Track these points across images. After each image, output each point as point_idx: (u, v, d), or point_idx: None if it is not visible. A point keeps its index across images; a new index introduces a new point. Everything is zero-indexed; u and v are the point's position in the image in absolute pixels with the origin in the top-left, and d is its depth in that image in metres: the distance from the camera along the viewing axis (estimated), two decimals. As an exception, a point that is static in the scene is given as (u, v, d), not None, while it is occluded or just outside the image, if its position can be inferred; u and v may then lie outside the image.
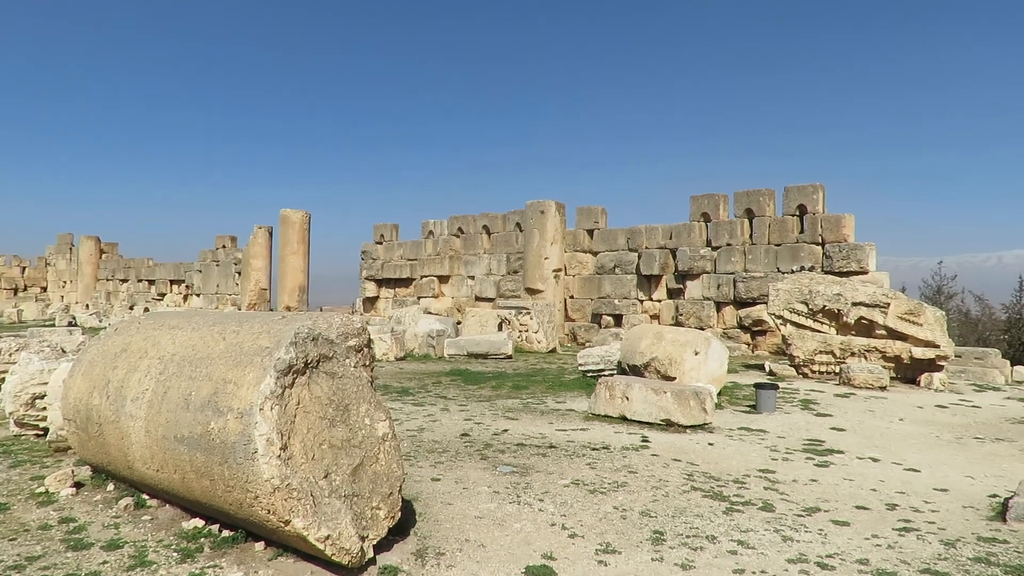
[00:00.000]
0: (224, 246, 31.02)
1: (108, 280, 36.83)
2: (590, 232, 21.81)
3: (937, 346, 12.09)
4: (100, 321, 28.16)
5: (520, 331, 18.10)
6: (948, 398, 10.88)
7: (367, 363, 4.27)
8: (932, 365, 12.16)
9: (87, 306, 35.65)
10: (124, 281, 35.90)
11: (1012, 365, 14.91)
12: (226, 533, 4.23)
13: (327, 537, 3.66)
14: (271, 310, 26.01)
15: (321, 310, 21.98)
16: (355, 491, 3.92)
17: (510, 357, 15.75)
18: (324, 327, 4.10)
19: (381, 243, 27.84)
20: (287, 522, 3.64)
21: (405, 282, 26.64)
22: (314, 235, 26.92)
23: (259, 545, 4.09)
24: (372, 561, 3.93)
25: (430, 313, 21.00)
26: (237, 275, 29.43)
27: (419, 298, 25.59)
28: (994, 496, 5.62)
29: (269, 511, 3.67)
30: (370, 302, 27.76)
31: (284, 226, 25.67)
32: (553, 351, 17.92)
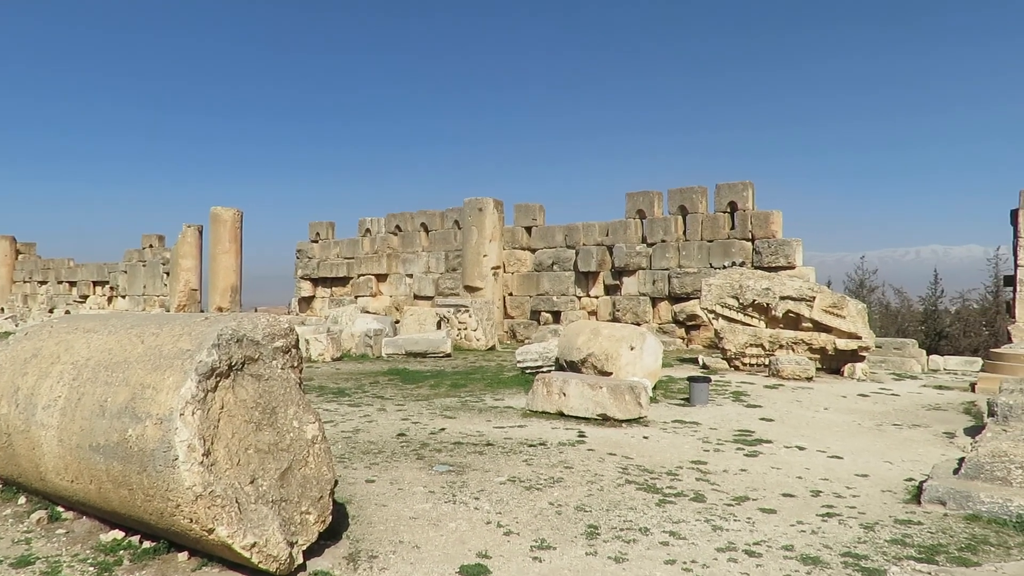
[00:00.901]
0: (151, 245, 29.87)
1: (26, 282, 34.98)
2: (528, 229, 21.90)
3: (859, 337, 12.61)
4: (16, 325, 26.74)
5: (459, 329, 18.04)
6: (869, 387, 11.36)
7: (295, 364, 4.17)
8: (855, 356, 12.67)
9: (2, 309, 33.79)
10: (43, 283, 34.16)
11: (928, 354, 15.70)
12: (147, 544, 4.06)
13: (253, 545, 3.55)
14: (202, 311, 25.19)
15: (256, 310, 21.43)
16: (283, 496, 3.82)
17: (449, 355, 15.68)
18: (249, 328, 3.98)
19: (317, 241, 27.31)
20: (211, 531, 3.51)
21: (342, 281, 26.21)
22: (247, 234, 26.21)
23: (182, 556, 3.94)
24: (302, 567, 3.83)
25: (368, 312, 20.72)
26: (165, 276, 28.38)
27: (356, 297, 25.21)
28: (910, 480, 5.89)
29: (192, 520, 3.53)
30: (306, 302, 27.21)
31: (215, 224, 24.89)
32: (492, 348, 17.93)
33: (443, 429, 7.72)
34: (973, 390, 11.03)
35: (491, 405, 9.41)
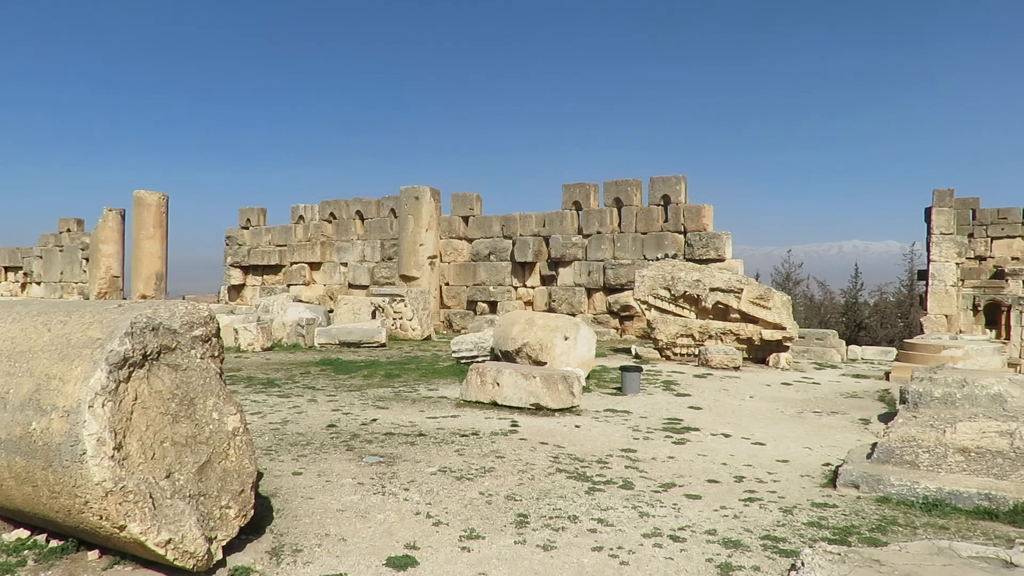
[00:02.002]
0: (69, 230, 28.45)
1: (-72, 267, 32.81)
2: (465, 219, 21.80)
3: (784, 328, 13.06)
4: (-82, 313, 25.06)
5: (394, 319, 17.84)
6: (793, 376, 11.79)
7: (215, 354, 4.02)
8: (779, 346, 13.12)
9: (-98, 296, 31.61)
10: (-52, 268, 32.11)
11: (847, 345, 16.40)
12: (54, 543, 3.85)
13: (168, 541, 3.41)
14: (125, 299, 24.16)
15: (183, 299, 20.69)
16: (202, 490, 3.68)
17: (384, 345, 15.49)
18: (166, 316, 3.81)
19: (247, 228, 26.52)
20: (122, 527, 3.35)
21: (274, 269, 25.55)
22: (174, 219, 25.21)
23: (92, 554, 3.76)
24: (222, 563, 3.71)
25: (300, 301, 20.25)
26: (85, 261, 27.08)
27: (289, 285, 24.63)
28: (827, 465, 6.13)
29: (102, 517, 3.37)
30: (236, 290, 26.42)
31: (139, 209, 23.85)
32: (428, 338, 17.80)
33: (375, 420, 7.62)
34: (888, 379, 11.58)
35: (425, 395, 9.34)
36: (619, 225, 19.25)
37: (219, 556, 3.67)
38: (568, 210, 19.95)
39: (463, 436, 6.89)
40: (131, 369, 3.57)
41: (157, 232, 23.92)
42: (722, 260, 17.33)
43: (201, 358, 3.92)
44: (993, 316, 24.58)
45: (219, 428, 3.88)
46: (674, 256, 17.81)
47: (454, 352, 12.29)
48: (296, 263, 24.81)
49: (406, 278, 20.55)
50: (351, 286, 23.44)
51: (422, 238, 20.60)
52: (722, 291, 13.24)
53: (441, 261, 21.60)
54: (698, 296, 13.30)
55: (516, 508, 4.79)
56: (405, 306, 17.87)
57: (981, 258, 25.44)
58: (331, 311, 18.76)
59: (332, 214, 24.31)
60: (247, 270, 26.36)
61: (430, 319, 18.67)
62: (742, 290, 13.23)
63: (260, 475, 4.91)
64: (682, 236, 18.24)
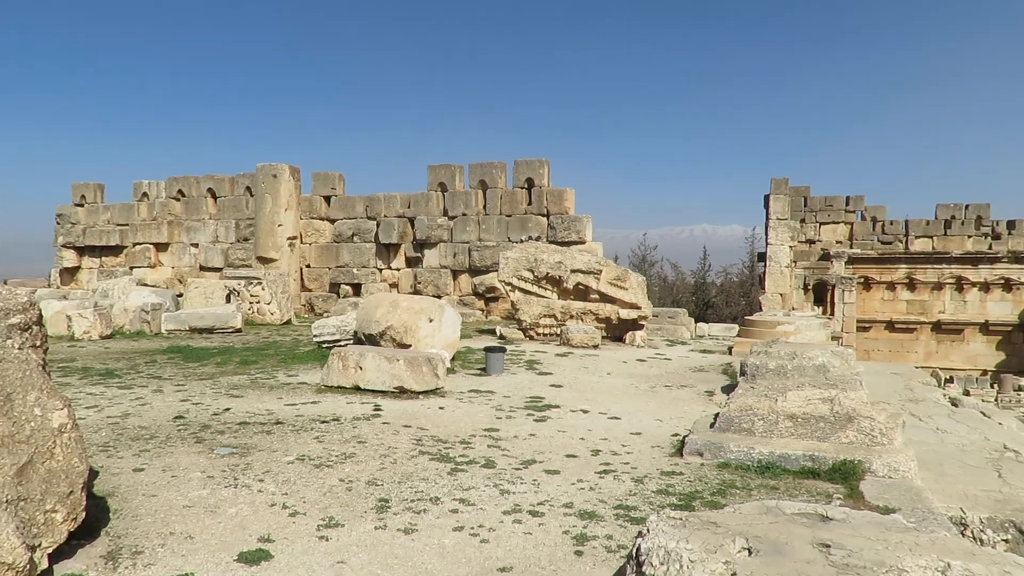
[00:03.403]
0: None
1: None
2: (327, 199, 21.12)
3: (639, 308, 13.72)
4: None
5: (251, 303, 17.00)
6: (647, 353, 12.43)
7: (37, 343, 3.64)
8: (635, 324, 13.78)
9: None
10: None
11: (696, 322, 17.52)
12: None
13: (-19, 553, 3.06)
14: (-69, 284, 21.34)
15: (5, 283, 18.55)
16: (22, 494, 3.33)
17: (239, 331, 14.73)
18: (-26, 303, 3.40)
19: (82, 205, 24.22)
20: (-77, 542, 2.97)
21: (114, 250, 23.54)
22: (-9, 194, 22.54)
23: None
24: (48, 572, 3.39)
25: (145, 285, 18.81)
26: None
27: (132, 268, 22.80)
28: (676, 435, 6.52)
29: None
30: (70, 273, 24.13)
31: (-53, 182, 21.12)
32: (288, 323, 17.14)
33: (228, 409, 7.24)
34: (731, 353, 12.49)
35: (284, 382, 8.99)
36: (484, 207, 19.38)
37: (44, 565, 3.35)
38: (434, 192, 19.82)
39: (323, 422, 6.70)
40: (-70, 363, 3.16)
41: (-29, 208, 21.30)
42: (583, 243, 17.91)
43: (19, 348, 3.54)
44: (821, 294, 27.16)
45: (42, 425, 3.52)
46: (537, 238, 18.19)
47: (315, 336, 11.92)
48: (140, 244, 22.98)
49: (264, 260, 19.63)
50: (203, 269, 22.06)
51: (281, 218, 19.73)
52: (582, 273, 13.69)
53: (302, 242, 20.81)
54: (560, 278, 13.68)
55: (377, 493, 4.73)
56: (263, 289, 17.08)
57: (811, 241, 27.95)
58: (180, 295, 17.59)
59: (181, 191, 22.72)
60: (83, 251, 24.11)
61: (290, 303, 17.98)
62: (601, 272, 13.75)
63: (95, 474, 4.54)
64: (545, 219, 18.65)
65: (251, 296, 17.05)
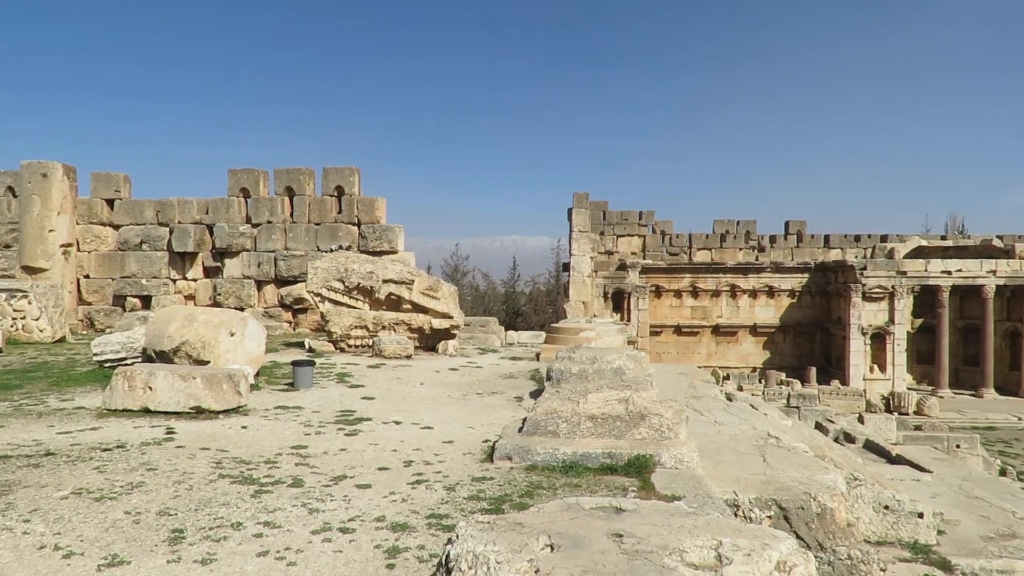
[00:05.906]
0: None
1: None
2: (110, 202, 19.12)
3: (451, 317, 13.90)
4: None
5: (14, 319, 14.91)
6: (459, 361, 12.62)
7: None
8: (448, 334, 13.94)
9: None
10: None
11: (507, 330, 18.10)
12: None
13: None
14: None
15: None
16: None
17: (0, 351, 12.86)
18: None
19: None
20: None
21: None
22: None
23: None
24: None
25: None
26: None
27: None
28: (487, 441, 6.68)
29: None
30: None
31: None
32: (62, 340, 15.25)
33: (-17, 442, 6.29)
34: (538, 359, 13.04)
35: (56, 407, 7.99)
36: (292, 215, 18.61)
37: None
38: (235, 197, 18.68)
39: (105, 451, 6.05)
40: None
41: None
42: (395, 252, 17.81)
43: None
44: (619, 302, 29.26)
45: None
46: (348, 248, 17.81)
47: (96, 355, 10.72)
48: None
49: (31, 270, 17.31)
50: (-49, 280, 18.98)
51: (52, 223, 17.53)
52: (395, 283, 13.61)
53: (79, 250, 18.64)
54: (372, 288, 13.49)
55: (170, 524, 4.36)
56: (29, 303, 15.04)
57: (610, 252, 30.04)
58: (-80, 311, 14.98)
59: (-80, 190, 19.38)
60: None
61: (64, 318, 16.01)
62: (413, 281, 13.75)
63: None
64: (356, 228, 18.31)
65: (14, 311, 14.95)
